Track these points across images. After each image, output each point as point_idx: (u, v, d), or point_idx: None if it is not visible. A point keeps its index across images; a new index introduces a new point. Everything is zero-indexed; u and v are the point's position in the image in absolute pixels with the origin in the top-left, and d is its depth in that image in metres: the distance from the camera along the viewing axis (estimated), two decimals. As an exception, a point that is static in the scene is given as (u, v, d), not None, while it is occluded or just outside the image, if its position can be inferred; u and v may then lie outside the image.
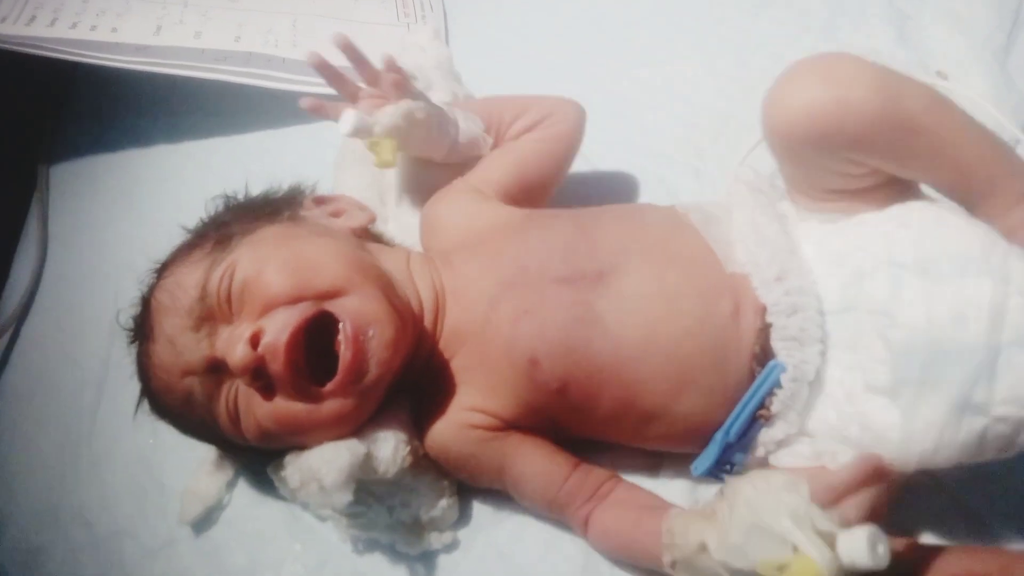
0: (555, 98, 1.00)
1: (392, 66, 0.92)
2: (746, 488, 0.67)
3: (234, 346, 0.76)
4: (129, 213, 1.31)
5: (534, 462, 0.83)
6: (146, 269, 0.91)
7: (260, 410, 0.79)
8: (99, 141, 1.41)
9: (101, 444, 1.06)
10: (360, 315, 0.78)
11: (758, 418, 0.79)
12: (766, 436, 0.80)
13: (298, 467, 0.79)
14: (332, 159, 1.13)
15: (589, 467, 0.84)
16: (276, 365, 0.76)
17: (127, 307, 0.92)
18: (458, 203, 0.94)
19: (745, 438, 0.80)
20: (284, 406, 0.78)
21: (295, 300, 0.78)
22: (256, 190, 0.98)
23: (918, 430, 0.69)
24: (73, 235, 1.34)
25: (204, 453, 0.97)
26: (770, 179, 0.87)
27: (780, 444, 0.79)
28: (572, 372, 0.80)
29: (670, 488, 0.86)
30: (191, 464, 0.98)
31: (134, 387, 0.92)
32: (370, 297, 0.80)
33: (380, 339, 0.78)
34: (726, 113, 1.12)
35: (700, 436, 0.82)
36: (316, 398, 0.78)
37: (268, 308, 0.78)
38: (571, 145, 0.99)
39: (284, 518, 0.93)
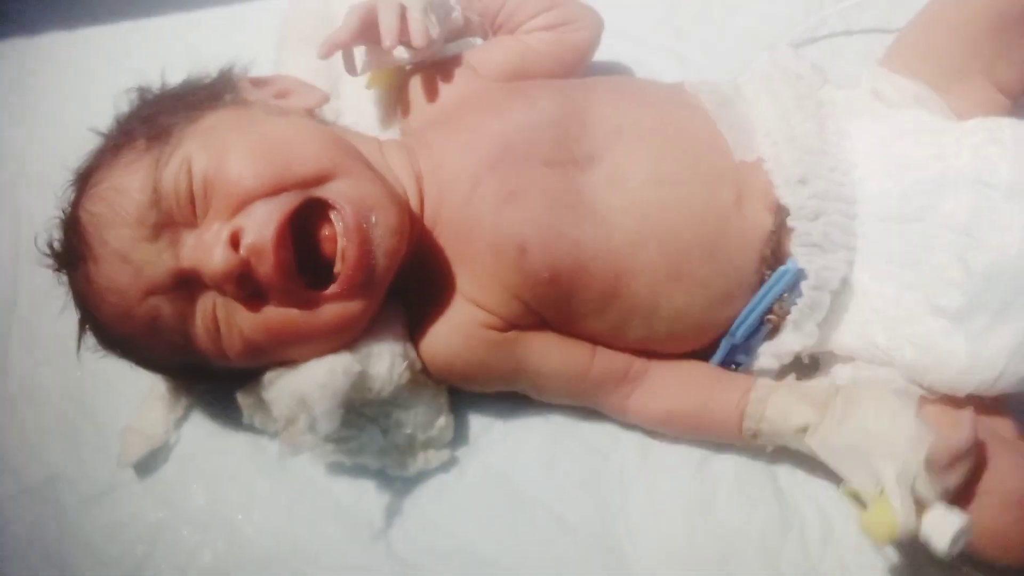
0: (581, 4, 0.90)
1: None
2: (868, 410, 0.66)
3: (209, 252, 0.65)
4: (23, 114, 1.12)
5: (551, 358, 0.77)
6: (59, 178, 0.77)
7: (246, 322, 0.68)
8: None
9: (17, 380, 0.92)
10: (358, 199, 0.67)
11: (766, 322, 0.76)
12: (781, 347, 0.75)
13: (286, 391, 0.69)
14: (264, 42, 0.98)
15: (606, 350, 0.78)
16: (265, 267, 0.65)
17: (43, 226, 0.78)
18: (449, 81, 0.83)
19: (751, 340, 0.77)
20: (276, 314, 0.68)
21: (274, 191, 0.66)
22: (174, 80, 0.83)
23: (984, 358, 0.66)
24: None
25: (145, 386, 0.86)
26: (812, 64, 0.81)
27: (799, 357, 0.76)
28: (563, 261, 0.73)
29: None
30: (129, 399, 0.87)
31: (52, 313, 0.80)
32: (365, 178, 0.69)
33: (384, 225, 0.68)
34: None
35: (699, 337, 0.79)
36: (312, 303, 0.68)
37: (242, 204, 0.66)
38: (583, 58, 0.90)
39: (248, 451, 0.84)
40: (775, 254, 0.74)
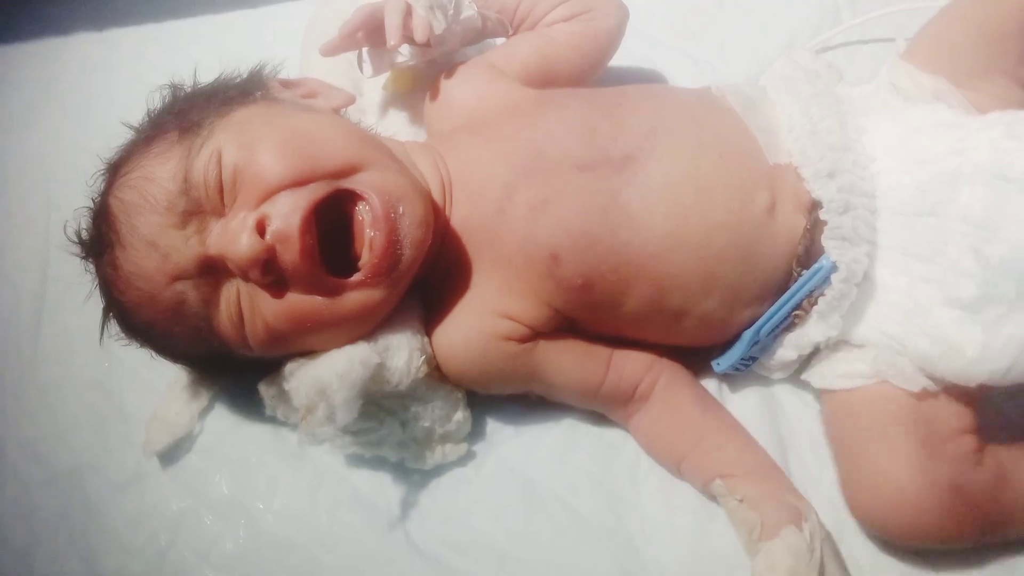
0: None
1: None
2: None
3: (235, 238, 0.66)
4: (53, 111, 1.15)
5: (564, 372, 0.78)
6: (88, 171, 0.79)
7: (270, 309, 0.69)
8: (8, 29, 1.23)
9: (47, 370, 0.94)
10: (386, 190, 0.69)
11: (791, 317, 0.76)
12: (803, 338, 0.76)
13: (306, 381, 0.70)
14: (292, 46, 1.00)
15: (622, 364, 0.79)
16: (290, 254, 0.66)
17: (71, 216, 0.80)
18: (471, 79, 0.84)
19: (771, 336, 0.78)
20: (299, 301, 0.69)
21: (302, 182, 0.68)
22: (205, 79, 0.85)
23: (997, 348, 0.67)
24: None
25: (171, 376, 0.88)
26: (827, 63, 0.82)
27: (818, 347, 0.76)
28: (596, 268, 0.74)
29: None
30: (155, 389, 0.89)
31: (80, 303, 0.82)
32: (392, 171, 0.71)
33: (412, 216, 0.69)
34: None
35: (720, 333, 0.80)
36: (336, 291, 0.69)
37: (270, 194, 0.67)
38: (607, 46, 0.89)
39: (269, 441, 0.85)
40: (808, 251, 0.75)
